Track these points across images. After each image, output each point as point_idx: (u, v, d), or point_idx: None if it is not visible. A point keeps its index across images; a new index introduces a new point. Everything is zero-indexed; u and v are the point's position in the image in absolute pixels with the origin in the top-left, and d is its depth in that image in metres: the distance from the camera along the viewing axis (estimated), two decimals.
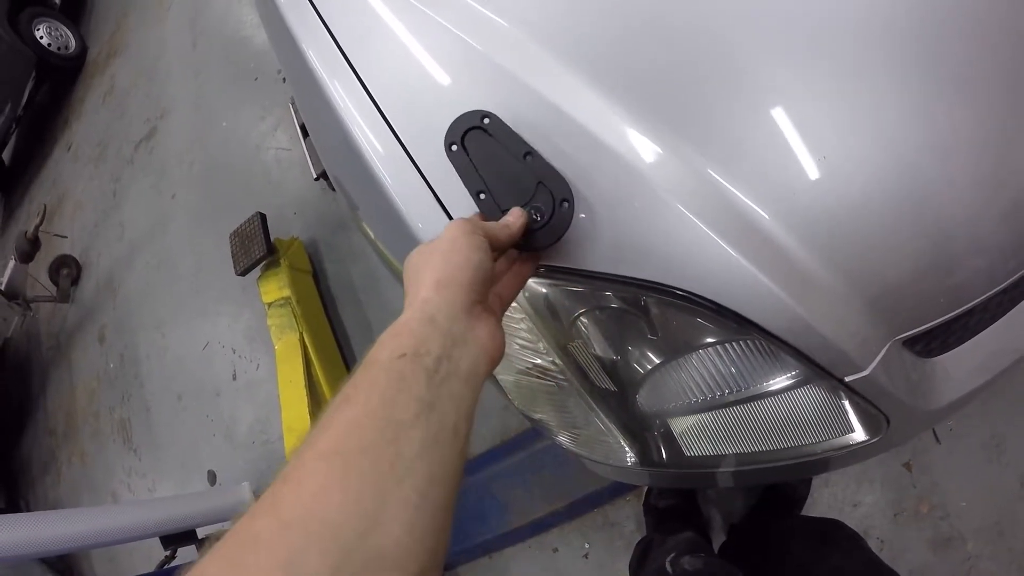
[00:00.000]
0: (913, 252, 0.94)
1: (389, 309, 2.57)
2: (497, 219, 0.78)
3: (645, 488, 1.97)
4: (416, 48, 1.07)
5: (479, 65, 1.00)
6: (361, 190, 1.22)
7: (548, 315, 1.03)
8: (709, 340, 0.96)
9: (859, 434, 1.10)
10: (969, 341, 1.17)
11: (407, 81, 1.07)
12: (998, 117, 0.93)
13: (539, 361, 1.10)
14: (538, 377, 1.13)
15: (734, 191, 0.88)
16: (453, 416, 0.51)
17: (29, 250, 4.16)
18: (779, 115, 0.88)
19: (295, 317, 2.46)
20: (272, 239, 2.63)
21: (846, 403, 1.04)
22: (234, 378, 3.03)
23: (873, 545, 1.74)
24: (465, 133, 0.83)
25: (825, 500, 1.95)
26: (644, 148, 0.90)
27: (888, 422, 1.07)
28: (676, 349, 0.99)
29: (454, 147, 0.83)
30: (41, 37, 5.53)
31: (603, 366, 1.06)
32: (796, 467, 1.16)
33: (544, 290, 1.00)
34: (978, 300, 1.03)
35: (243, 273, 2.60)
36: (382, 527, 0.41)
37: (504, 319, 0.98)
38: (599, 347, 1.04)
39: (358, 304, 2.71)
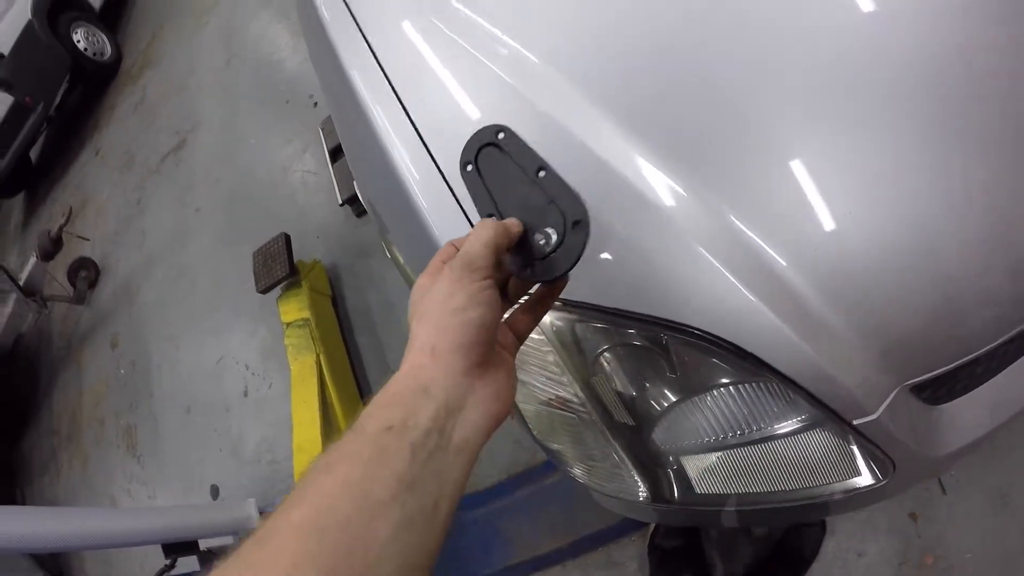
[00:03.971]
0: (924, 304, 0.99)
1: (404, 337, 2.59)
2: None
3: (651, 528, 1.98)
4: (459, 80, 1.13)
5: (515, 101, 1.05)
6: (395, 213, 1.26)
7: (574, 349, 1.06)
8: (724, 380, 1.00)
9: (865, 478, 1.13)
10: (975, 390, 1.21)
11: (449, 112, 1.11)
12: (1008, 179, 0.98)
13: (562, 393, 1.13)
14: (560, 408, 1.16)
15: (755, 237, 0.93)
16: (435, 494, 0.51)
17: (51, 249, 4.25)
18: (804, 168, 0.93)
19: (313, 339, 2.50)
20: (295, 261, 2.69)
21: (854, 447, 1.07)
22: (245, 395, 3.07)
23: None
24: (479, 151, 0.77)
25: (830, 549, 1.93)
26: (670, 191, 0.95)
27: (894, 467, 1.10)
28: (693, 388, 1.03)
29: (468, 167, 0.77)
30: (78, 41, 5.65)
31: (623, 401, 1.09)
32: (802, 509, 1.19)
33: (570, 324, 1.04)
34: (985, 349, 1.07)
35: (264, 291, 2.66)
36: None
37: (531, 352, 1.09)
38: (620, 383, 1.07)
39: (373, 330, 2.76)
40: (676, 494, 1.19)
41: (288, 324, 2.60)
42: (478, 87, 1.12)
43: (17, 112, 5.16)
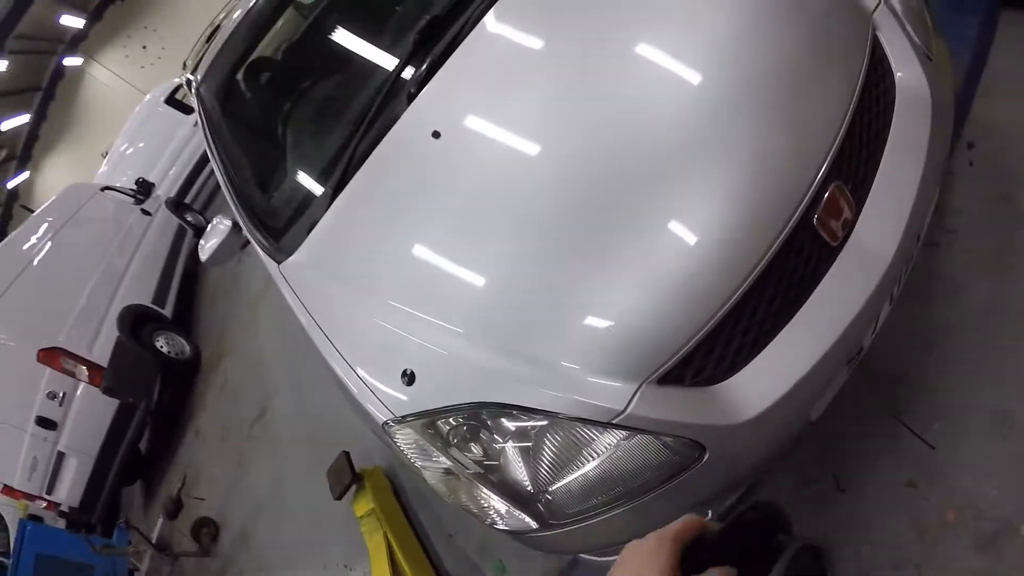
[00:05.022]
0: (618, 333, 1.43)
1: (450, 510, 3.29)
2: None
3: None
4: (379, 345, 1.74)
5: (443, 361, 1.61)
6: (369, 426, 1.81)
7: (438, 435, 1.57)
8: (516, 426, 1.49)
9: (681, 459, 1.41)
10: (756, 358, 1.47)
11: (383, 363, 1.70)
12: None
13: (443, 465, 1.61)
14: (448, 476, 1.63)
15: (536, 357, 1.49)
16: None
17: (174, 509, 5.10)
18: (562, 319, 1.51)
19: (380, 521, 3.22)
20: (358, 469, 3.48)
21: (643, 443, 1.40)
22: None
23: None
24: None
25: (839, 547, 1.94)
26: (494, 360, 1.52)
27: (702, 445, 1.39)
28: (514, 437, 1.50)
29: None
30: (161, 346, 6.67)
31: (475, 460, 1.55)
32: (661, 498, 1.46)
33: (432, 420, 1.57)
34: (701, 335, 1.39)
35: (339, 497, 3.43)
36: None
37: (418, 444, 1.62)
38: (470, 448, 1.56)
39: (431, 506, 3.44)
40: (554, 518, 1.55)
41: (361, 517, 3.34)
42: (395, 345, 1.70)
43: (123, 413, 6.10)
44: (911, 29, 1.80)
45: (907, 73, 1.74)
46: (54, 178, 20.15)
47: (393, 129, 2.10)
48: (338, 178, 2.18)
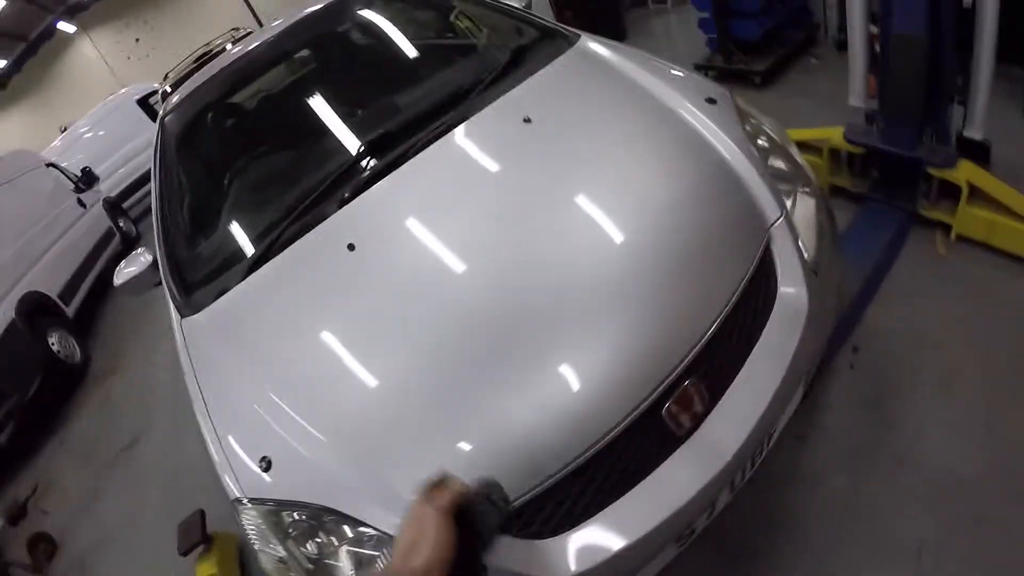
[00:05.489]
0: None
1: None
2: None
3: None
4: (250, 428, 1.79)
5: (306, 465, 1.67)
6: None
7: (276, 525, 1.63)
8: (358, 532, 1.58)
9: None
10: (588, 521, 1.55)
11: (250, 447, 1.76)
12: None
13: (278, 554, 1.62)
14: (281, 563, 1.64)
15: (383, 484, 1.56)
16: None
17: (17, 515, 4.83)
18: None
19: None
20: (211, 531, 3.35)
21: None
22: None
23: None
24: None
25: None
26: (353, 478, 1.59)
27: None
28: (350, 543, 1.58)
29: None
30: (52, 344, 6.49)
31: (307, 554, 1.61)
32: None
33: (276, 511, 1.62)
34: (532, 494, 1.50)
35: (184, 554, 3.29)
36: None
37: (261, 531, 1.65)
38: (305, 542, 1.62)
39: None
40: None
41: None
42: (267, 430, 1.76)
43: None
44: (804, 244, 1.95)
45: (790, 287, 1.87)
46: (6, 135, 19.51)
47: (317, 228, 2.21)
48: (258, 255, 2.27)
